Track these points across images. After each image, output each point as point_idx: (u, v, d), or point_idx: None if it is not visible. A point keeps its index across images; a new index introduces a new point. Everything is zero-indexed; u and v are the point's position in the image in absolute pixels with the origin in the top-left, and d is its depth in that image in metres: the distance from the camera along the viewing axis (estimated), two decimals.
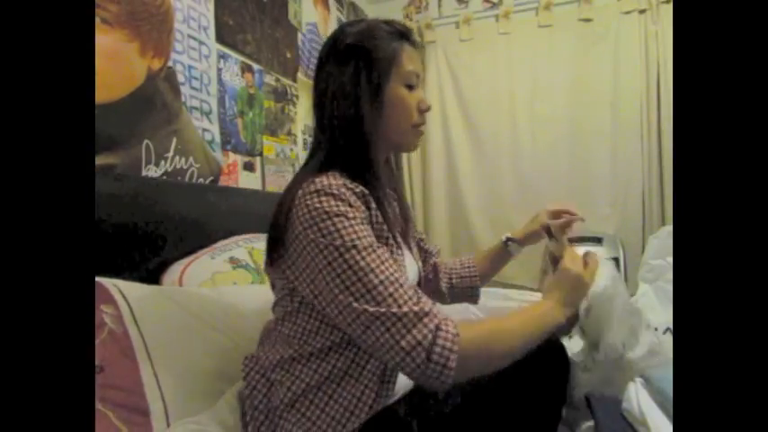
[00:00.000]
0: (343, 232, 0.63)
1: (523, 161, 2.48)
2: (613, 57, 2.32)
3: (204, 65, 1.55)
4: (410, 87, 0.78)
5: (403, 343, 0.59)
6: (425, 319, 0.60)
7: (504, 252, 1.03)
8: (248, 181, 1.78)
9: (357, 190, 0.68)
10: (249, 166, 1.80)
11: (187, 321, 0.92)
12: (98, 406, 0.72)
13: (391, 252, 0.71)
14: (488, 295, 1.53)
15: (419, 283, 0.87)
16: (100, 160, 1.15)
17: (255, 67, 1.84)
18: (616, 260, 2.18)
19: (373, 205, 0.70)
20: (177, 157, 1.41)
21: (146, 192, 1.17)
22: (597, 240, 2.25)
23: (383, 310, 0.60)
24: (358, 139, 0.74)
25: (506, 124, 2.50)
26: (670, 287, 1.28)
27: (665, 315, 1.23)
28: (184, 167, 1.44)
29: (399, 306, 0.60)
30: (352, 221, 0.64)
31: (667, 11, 2.19)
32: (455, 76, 2.58)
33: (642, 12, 2.26)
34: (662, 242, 1.42)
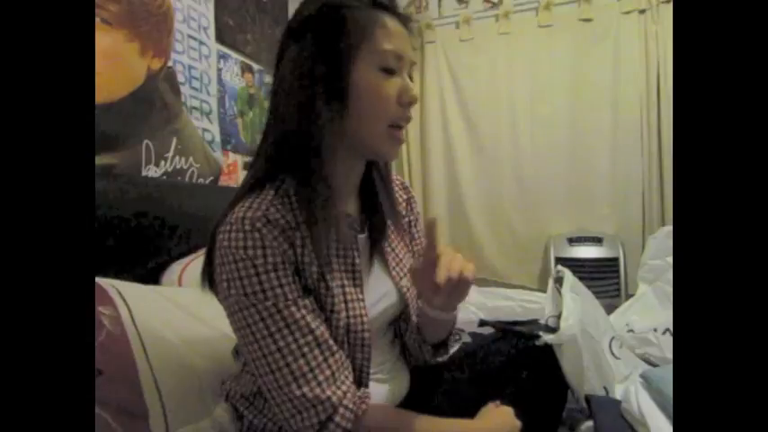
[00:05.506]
0: (246, 282, 0.55)
1: (523, 161, 2.48)
2: (613, 57, 2.31)
3: (204, 65, 1.56)
4: (388, 72, 0.60)
5: (291, 422, 0.57)
6: (314, 410, 0.56)
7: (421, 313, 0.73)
8: None
9: (282, 221, 0.58)
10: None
11: (186, 322, 0.92)
12: (96, 410, 0.72)
13: (320, 298, 0.60)
14: (488, 295, 1.53)
15: (401, 315, 0.74)
16: (100, 160, 1.15)
17: (255, 67, 1.84)
18: (616, 260, 2.18)
19: (298, 243, 0.59)
20: (177, 157, 1.41)
21: (146, 192, 1.17)
22: (597, 240, 2.25)
23: (280, 381, 0.56)
24: (304, 144, 0.58)
25: (506, 124, 2.50)
26: (669, 287, 1.28)
27: (664, 315, 1.23)
28: (184, 167, 1.44)
29: (288, 384, 0.56)
30: (260, 269, 0.55)
31: (667, 11, 2.19)
32: (455, 76, 2.57)
33: (642, 12, 2.25)
34: (661, 242, 1.42)
